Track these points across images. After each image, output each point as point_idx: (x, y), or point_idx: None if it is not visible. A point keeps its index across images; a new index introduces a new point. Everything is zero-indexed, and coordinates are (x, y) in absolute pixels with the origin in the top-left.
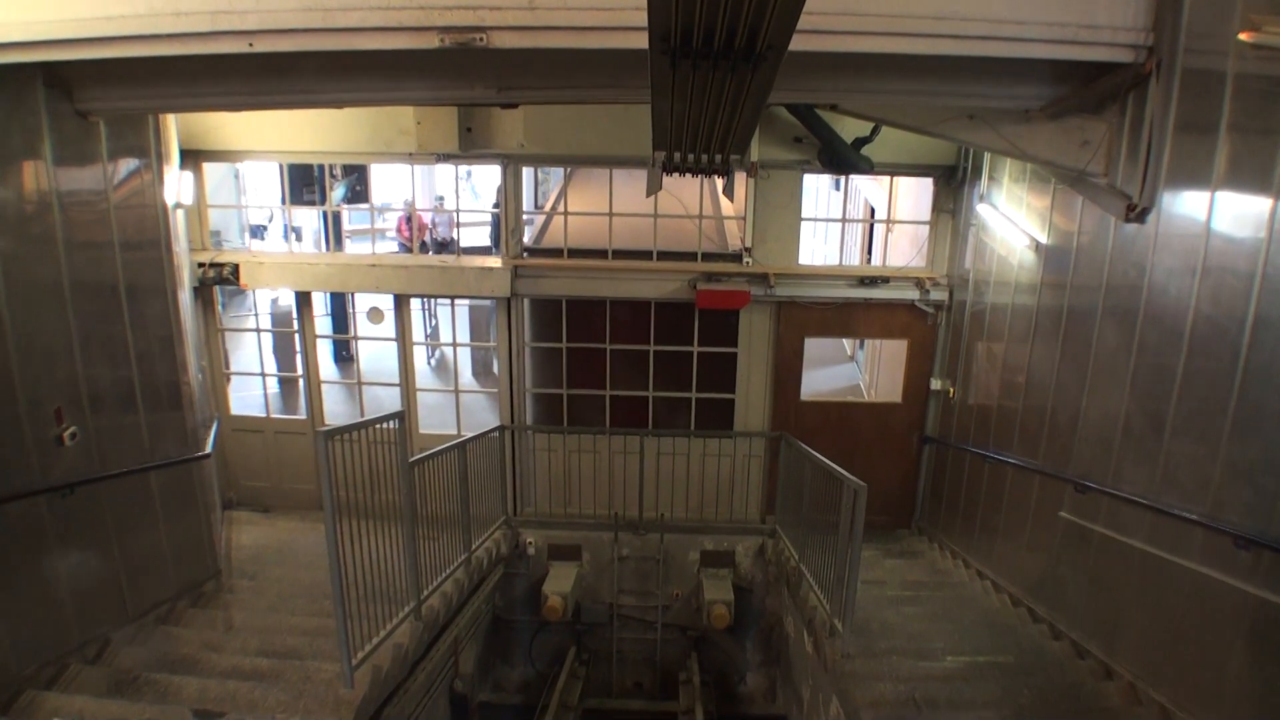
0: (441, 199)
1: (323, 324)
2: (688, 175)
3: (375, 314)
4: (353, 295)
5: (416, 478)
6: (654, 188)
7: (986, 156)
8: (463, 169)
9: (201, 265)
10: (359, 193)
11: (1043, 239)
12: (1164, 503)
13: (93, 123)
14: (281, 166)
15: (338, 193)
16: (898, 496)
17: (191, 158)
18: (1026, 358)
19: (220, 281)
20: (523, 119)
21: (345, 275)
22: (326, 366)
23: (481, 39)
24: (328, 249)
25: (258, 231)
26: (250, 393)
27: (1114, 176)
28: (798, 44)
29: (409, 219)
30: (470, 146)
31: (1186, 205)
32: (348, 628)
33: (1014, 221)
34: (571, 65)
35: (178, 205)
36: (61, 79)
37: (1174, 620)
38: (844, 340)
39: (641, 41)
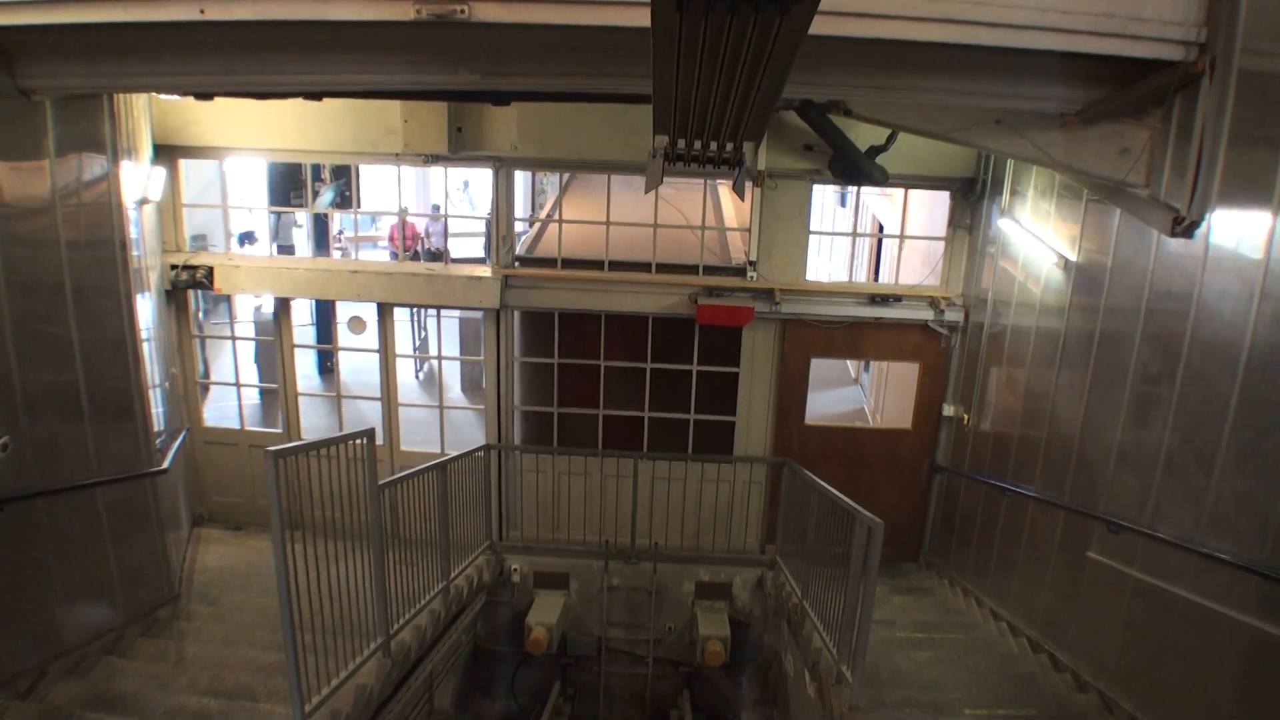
0: (436, 208)
1: (307, 334)
2: (693, 164)
3: (356, 323)
4: (333, 304)
5: (389, 500)
6: (654, 182)
7: (1009, 168)
8: (459, 178)
9: (175, 267)
10: (349, 198)
11: (1072, 256)
12: (1212, 547)
13: (37, 103)
14: (270, 167)
15: (325, 197)
16: (905, 528)
17: (166, 153)
18: (1052, 384)
19: (194, 285)
20: (516, 120)
21: (326, 282)
22: (310, 378)
23: (463, 11)
24: (319, 255)
25: (247, 238)
26: (231, 403)
27: (1157, 188)
28: (814, 26)
29: (402, 226)
30: (461, 148)
31: (1243, 219)
32: (301, 668)
33: (1040, 238)
34: (564, 49)
35: (143, 201)
36: (1, 50)
37: (1222, 677)
38: (847, 362)
39: (643, 18)
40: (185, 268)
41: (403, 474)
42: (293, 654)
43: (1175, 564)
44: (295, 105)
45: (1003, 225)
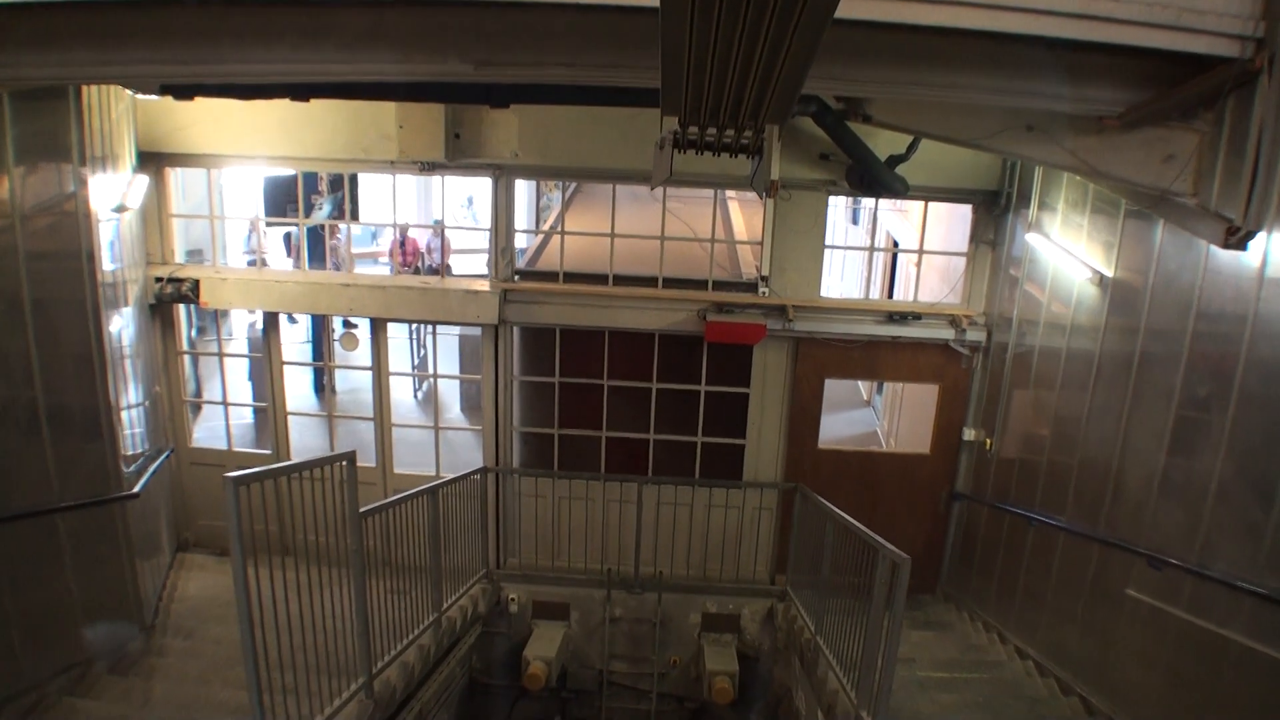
0: (439, 222)
1: (303, 351)
2: (706, 152)
3: (348, 339)
4: (323, 319)
5: (377, 527)
6: (662, 174)
7: (1036, 179)
8: (462, 193)
9: (159, 280)
10: (344, 211)
11: (1108, 272)
12: (1271, 587)
13: None
14: (266, 181)
15: (323, 211)
16: (922, 557)
17: (152, 161)
18: (1084, 409)
19: (179, 299)
20: (517, 125)
21: (315, 296)
22: (306, 397)
23: None
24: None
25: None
26: (218, 423)
27: (1206, 196)
28: (842, 9)
29: (403, 243)
30: (459, 155)
31: None
32: (268, 713)
33: (1072, 253)
34: (565, 36)
35: (121, 208)
36: None
37: None
38: (859, 383)
39: None
40: (170, 280)
41: (387, 500)
42: (256, 698)
43: (1227, 605)
44: (285, 110)
45: (1030, 240)
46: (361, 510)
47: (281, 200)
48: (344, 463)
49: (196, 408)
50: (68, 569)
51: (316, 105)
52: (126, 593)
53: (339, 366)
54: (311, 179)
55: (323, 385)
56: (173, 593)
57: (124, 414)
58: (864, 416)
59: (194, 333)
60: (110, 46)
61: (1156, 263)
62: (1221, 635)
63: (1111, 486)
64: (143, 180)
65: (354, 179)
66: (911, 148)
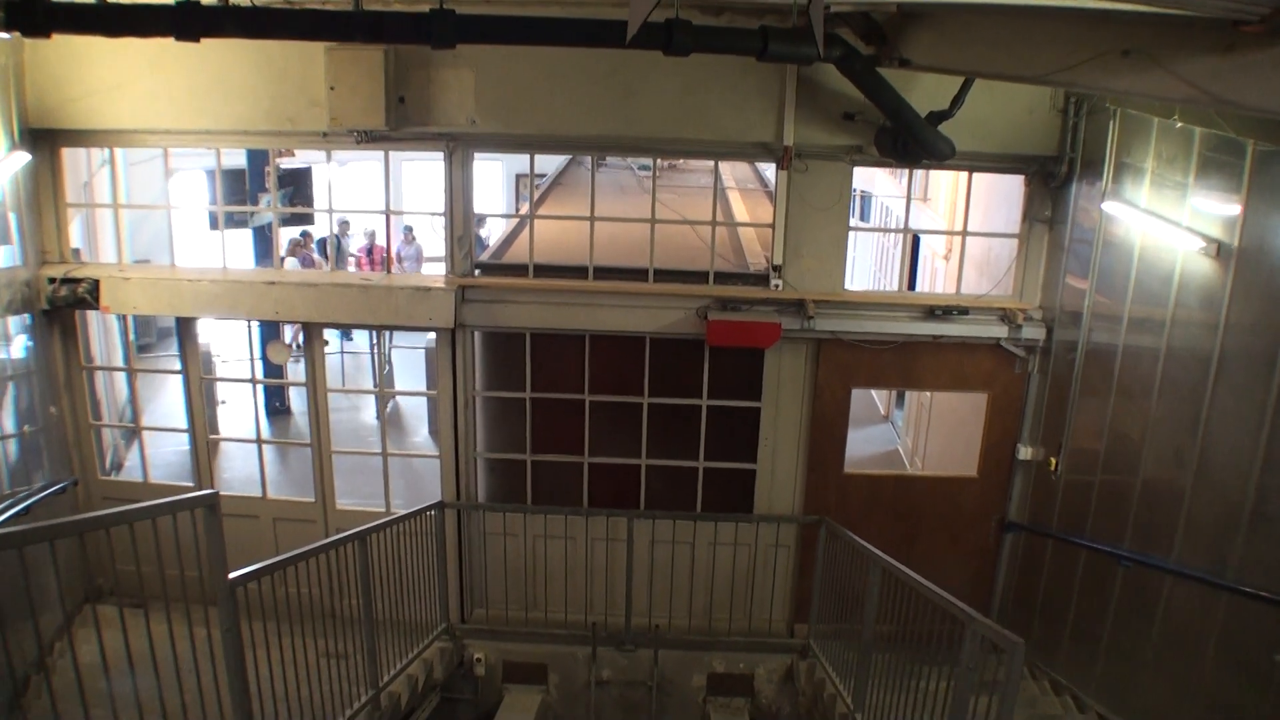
0: (409, 229)
1: (247, 366)
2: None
3: (276, 349)
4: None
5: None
6: (639, 18)
7: (1111, 135)
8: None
9: (53, 281)
10: (298, 211)
11: (1230, 240)
12: None
13: None
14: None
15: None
16: (968, 597)
17: (45, 140)
18: (1197, 421)
19: (77, 303)
20: (474, 85)
21: (235, 297)
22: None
23: None
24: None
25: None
26: (158, 450)
27: None
28: None
29: (370, 251)
30: (404, 123)
31: None
32: None
33: (1172, 220)
34: None
35: None
36: None
37: None
38: (873, 394)
39: None
40: (65, 281)
41: (271, 562)
42: None
43: None
44: (193, 74)
45: (1108, 210)
46: (233, 576)
47: (230, 198)
48: (204, 509)
49: (132, 434)
50: None
51: (233, 68)
52: None
53: (263, 383)
54: (258, 174)
55: (275, 407)
56: (55, 662)
57: None
58: (882, 433)
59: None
60: None
61: None
62: None
63: (1246, 520)
64: (19, 158)
65: (307, 172)
66: (957, 100)
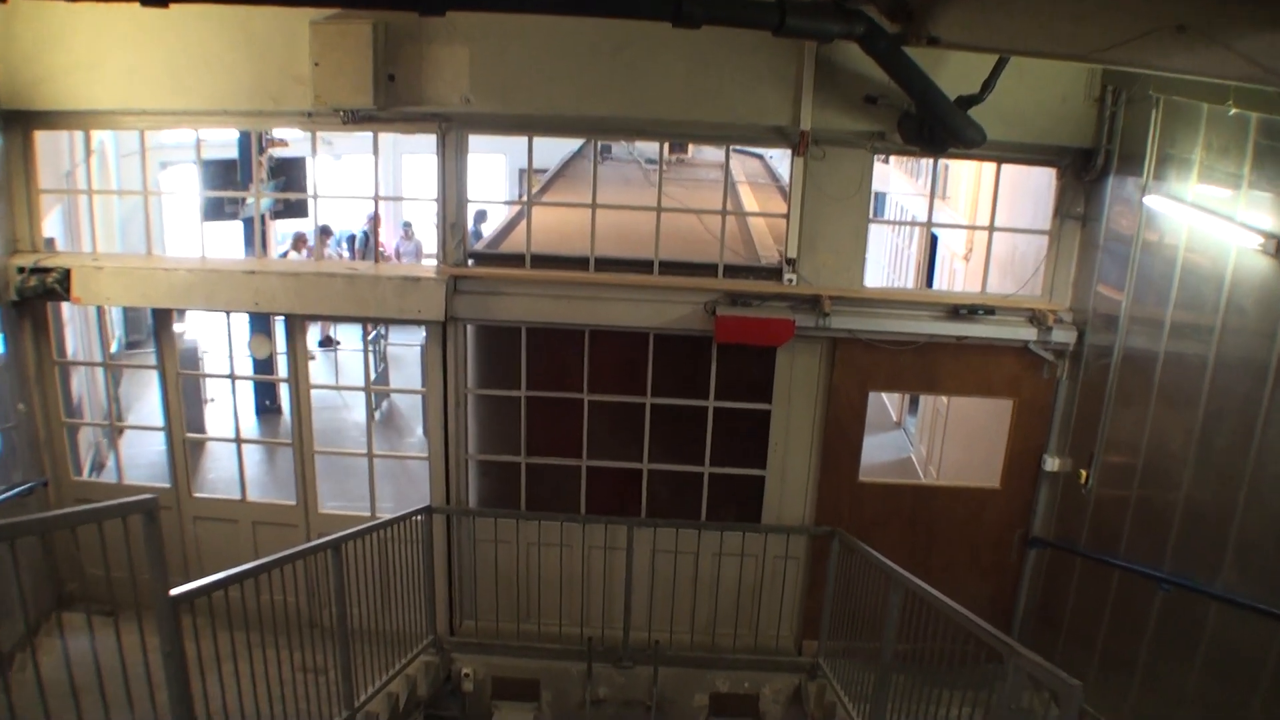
0: (408, 225)
1: (241, 364)
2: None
3: (258, 343)
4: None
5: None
6: None
7: (1154, 124)
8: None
9: (22, 271)
10: (291, 203)
11: None
12: None
13: None
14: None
15: (262, 202)
16: (987, 615)
17: (17, 121)
18: (1251, 435)
19: (46, 294)
20: (468, 62)
21: (213, 286)
22: (247, 419)
23: None
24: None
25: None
26: (142, 450)
27: None
28: None
29: (352, 240)
30: (393, 102)
31: None
32: None
33: (1223, 215)
34: None
35: None
36: None
37: None
38: (884, 398)
39: None
40: (34, 271)
41: (215, 579)
42: None
43: None
44: (171, 50)
45: (1150, 205)
46: (174, 593)
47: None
48: (143, 515)
49: (116, 433)
50: None
51: (212, 44)
52: None
53: (240, 378)
54: (246, 163)
55: (266, 406)
56: (19, 674)
57: None
58: (894, 440)
59: (118, 345)
60: None
61: None
62: None
63: None
64: None
65: (300, 162)
66: (988, 84)
